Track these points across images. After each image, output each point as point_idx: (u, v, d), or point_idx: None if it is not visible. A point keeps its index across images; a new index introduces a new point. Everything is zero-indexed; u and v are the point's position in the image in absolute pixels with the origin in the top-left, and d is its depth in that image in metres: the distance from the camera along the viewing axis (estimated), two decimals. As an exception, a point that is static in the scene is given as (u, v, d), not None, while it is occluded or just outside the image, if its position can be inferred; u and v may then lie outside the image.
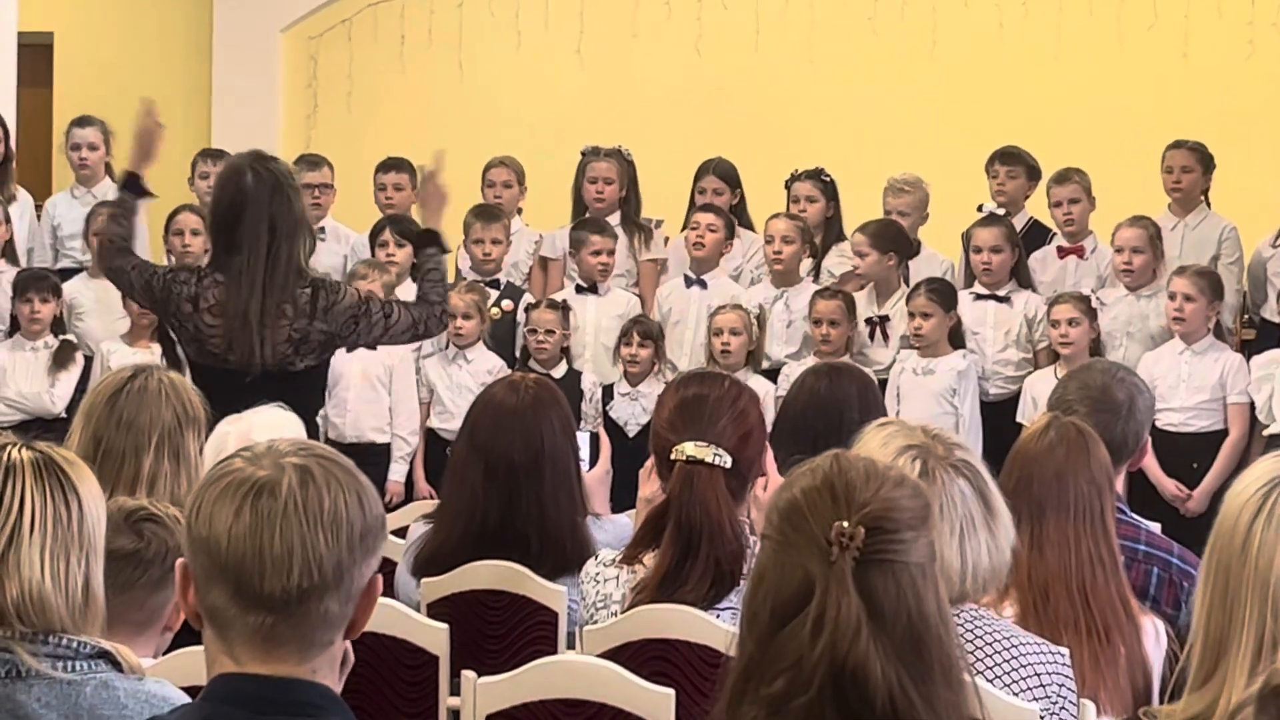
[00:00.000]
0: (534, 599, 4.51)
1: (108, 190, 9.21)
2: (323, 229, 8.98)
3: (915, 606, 2.16)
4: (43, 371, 8.21)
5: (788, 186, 8.99)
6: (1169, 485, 7.80)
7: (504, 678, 3.64)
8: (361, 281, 8.14)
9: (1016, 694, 3.19)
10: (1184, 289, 7.87)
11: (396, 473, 8.19)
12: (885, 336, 8.33)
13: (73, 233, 9.07)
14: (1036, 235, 8.83)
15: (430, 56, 11.68)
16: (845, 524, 2.16)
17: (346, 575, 2.28)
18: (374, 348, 7.98)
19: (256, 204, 5.74)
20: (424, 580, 4.62)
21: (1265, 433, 7.77)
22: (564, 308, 8.36)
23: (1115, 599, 3.74)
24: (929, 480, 3.12)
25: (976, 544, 3.18)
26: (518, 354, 8.52)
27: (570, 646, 4.37)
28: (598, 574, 3.98)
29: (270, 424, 5.29)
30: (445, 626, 4.27)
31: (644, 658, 3.77)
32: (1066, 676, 3.27)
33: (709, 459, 3.77)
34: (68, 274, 8.78)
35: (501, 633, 4.56)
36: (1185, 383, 7.89)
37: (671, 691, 3.56)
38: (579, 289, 8.60)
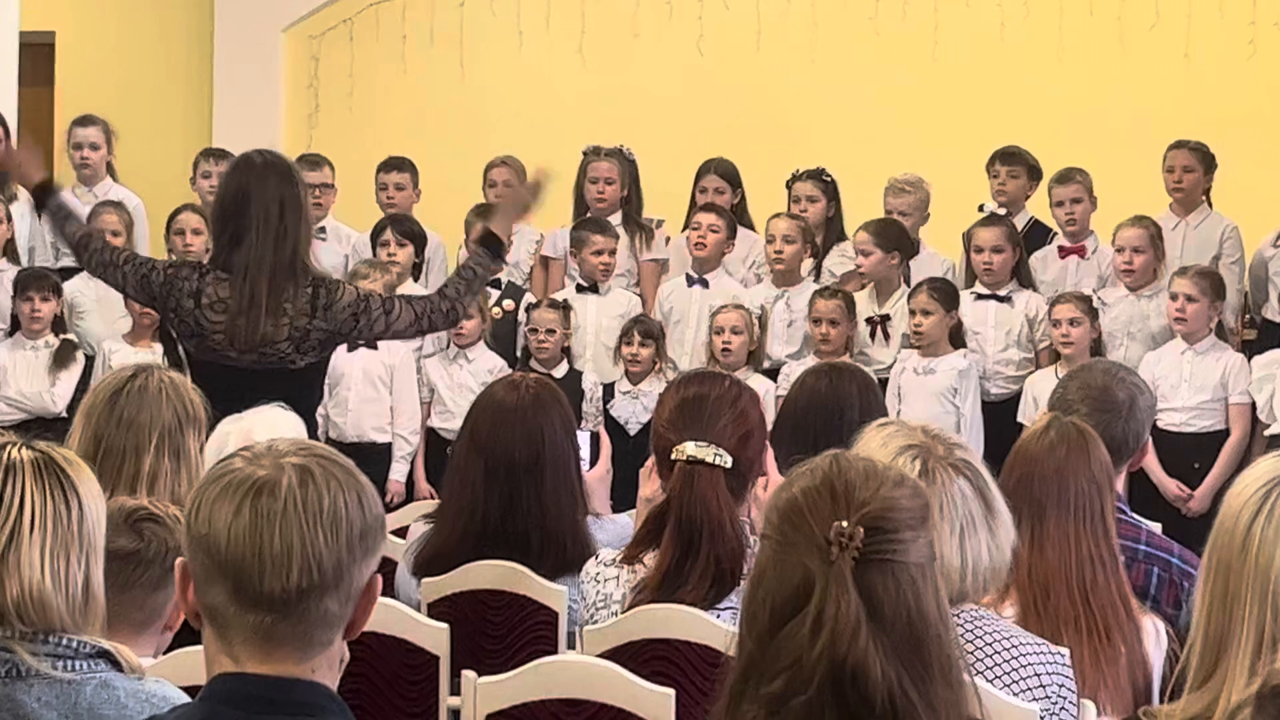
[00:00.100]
0: (534, 599, 4.51)
1: (109, 189, 9.23)
2: (323, 229, 8.99)
3: (915, 606, 2.16)
4: (43, 371, 8.21)
5: (789, 186, 9.00)
6: (1170, 485, 7.80)
7: (504, 677, 3.64)
8: (363, 281, 8.12)
9: (1016, 694, 3.19)
10: (1186, 289, 7.88)
11: (397, 472, 8.20)
12: (886, 336, 8.33)
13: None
14: (1037, 235, 8.83)
15: (432, 56, 11.68)
16: (845, 524, 2.16)
17: (346, 575, 2.28)
18: (374, 346, 7.98)
19: (265, 184, 5.72)
20: (424, 580, 4.62)
21: (1266, 433, 7.77)
22: (565, 307, 8.36)
23: (1116, 598, 3.74)
24: (929, 480, 3.12)
25: (977, 543, 3.18)
26: (519, 353, 8.52)
27: (571, 646, 4.37)
28: (598, 574, 3.98)
29: (271, 423, 5.29)
30: (446, 626, 4.27)
31: (644, 657, 3.77)
32: (1067, 677, 3.27)
33: (709, 459, 3.77)
34: (68, 273, 8.77)
35: (502, 632, 4.56)
36: (1187, 383, 7.89)
37: (672, 691, 3.56)
38: (580, 288, 8.60)
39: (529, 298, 8.71)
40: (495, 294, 8.59)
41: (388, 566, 4.30)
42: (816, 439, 4.26)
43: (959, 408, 7.93)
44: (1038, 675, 3.22)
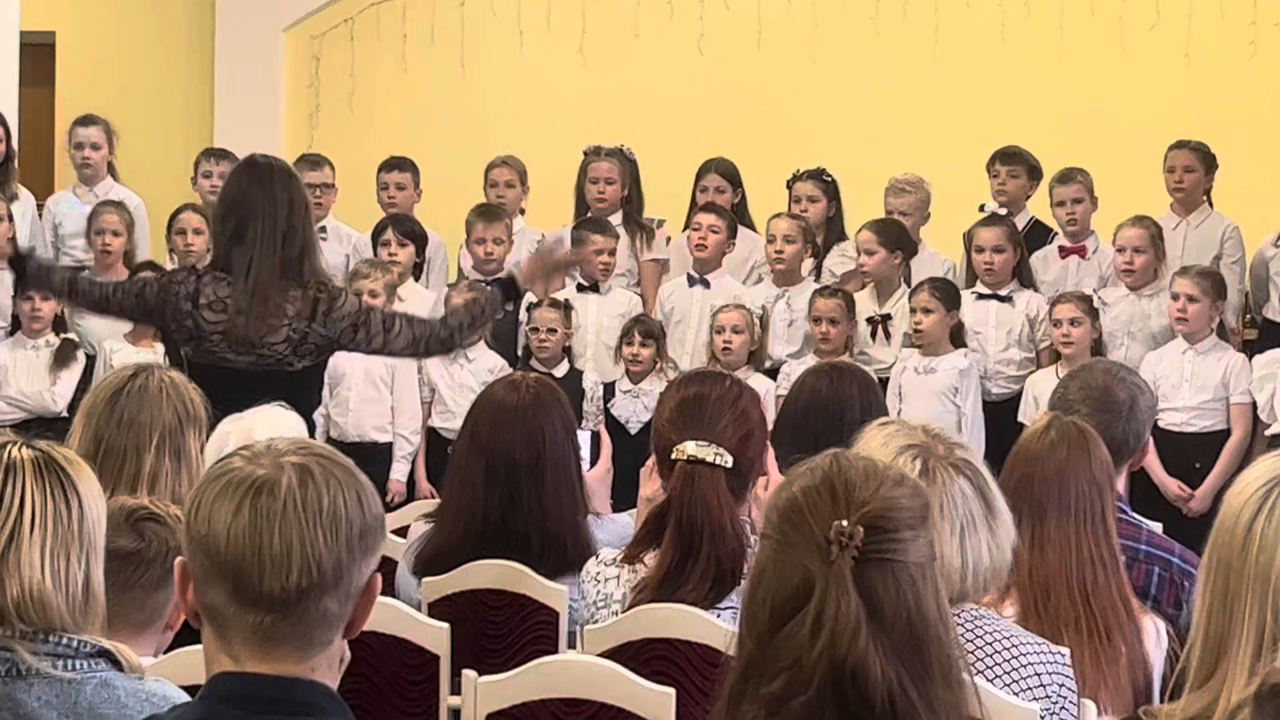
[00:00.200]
0: (535, 598, 4.51)
1: (110, 189, 9.22)
2: (324, 228, 8.98)
3: (914, 606, 2.16)
4: (44, 370, 8.21)
5: (789, 186, 9.00)
6: (1171, 485, 7.80)
7: (505, 677, 3.64)
8: (364, 281, 8.14)
9: (1017, 694, 3.19)
10: (1187, 289, 7.88)
11: (398, 472, 8.20)
12: (888, 335, 8.33)
13: (74, 231, 9.07)
14: (1038, 235, 8.83)
15: (432, 56, 11.68)
16: (844, 523, 2.16)
17: (345, 574, 2.28)
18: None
19: (270, 185, 5.72)
20: (425, 579, 4.61)
21: (1267, 432, 7.76)
22: (566, 307, 8.36)
23: (1116, 598, 3.73)
24: (929, 479, 3.12)
25: (977, 543, 3.18)
26: (519, 353, 8.52)
27: (571, 646, 4.37)
28: (599, 573, 3.98)
29: (272, 423, 5.28)
30: (446, 626, 4.27)
31: (645, 657, 3.77)
32: (1067, 677, 3.27)
33: (710, 458, 3.77)
34: (69, 273, 8.78)
35: (502, 632, 4.56)
36: (1188, 383, 7.89)
37: (672, 691, 3.56)
38: (580, 288, 8.60)
39: (530, 297, 8.70)
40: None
41: (388, 566, 4.29)
42: (817, 439, 4.24)
43: (960, 407, 7.93)
44: (1038, 675, 3.22)
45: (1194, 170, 8.67)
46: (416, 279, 8.80)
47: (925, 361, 8.01)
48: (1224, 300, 8.03)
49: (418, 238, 8.79)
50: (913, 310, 8.03)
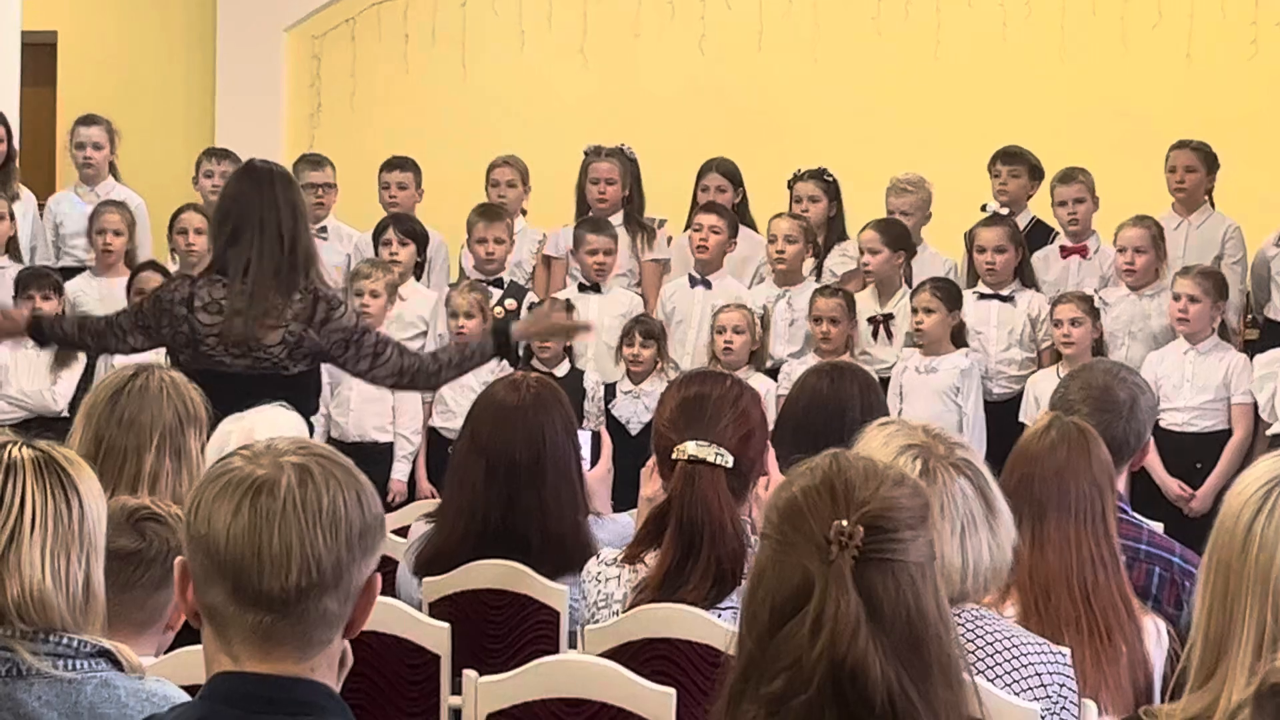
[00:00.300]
0: (535, 598, 4.51)
1: (111, 189, 9.23)
2: (325, 228, 8.99)
3: (914, 605, 2.16)
4: (44, 370, 8.20)
5: (790, 186, 9.00)
6: (1172, 485, 7.79)
7: (505, 677, 3.64)
8: (365, 280, 8.14)
9: (1017, 694, 3.19)
10: (1189, 290, 7.87)
11: (399, 472, 8.20)
12: (889, 335, 8.33)
13: (75, 231, 9.07)
14: (1039, 235, 8.83)
15: (434, 56, 11.69)
16: (844, 523, 2.16)
17: (345, 574, 2.28)
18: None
19: (269, 189, 5.73)
20: (425, 579, 4.61)
21: (1268, 432, 7.76)
22: (567, 307, 8.35)
23: (1116, 598, 3.73)
24: (930, 479, 3.12)
25: (977, 543, 3.18)
26: (520, 352, 8.50)
27: (572, 646, 4.37)
28: (599, 573, 3.97)
29: (273, 422, 5.29)
30: (447, 626, 4.27)
31: (645, 657, 3.77)
32: (1068, 677, 3.27)
33: (711, 458, 3.77)
34: (70, 273, 8.78)
35: (503, 632, 4.56)
36: (1189, 383, 7.89)
37: (673, 691, 3.55)
38: (582, 288, 8.60)
39: (531, 297, 8.71)
40: (497, 293, 8.59)
41: (388, 566, 4.30)
42: (818, 438, 4.24)
43: (961, 407, 7.93)
44: (1038, 675, 3.22)
45: (1195, 170, 8.67)
46: (418, 279, 8.80)
47: (926, 361, 8.01)
48: (1225, 300, 8.03)
49: (419, 237, 8.79)
50: (914, 310, 8.03)
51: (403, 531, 5.15)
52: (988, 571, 3.21)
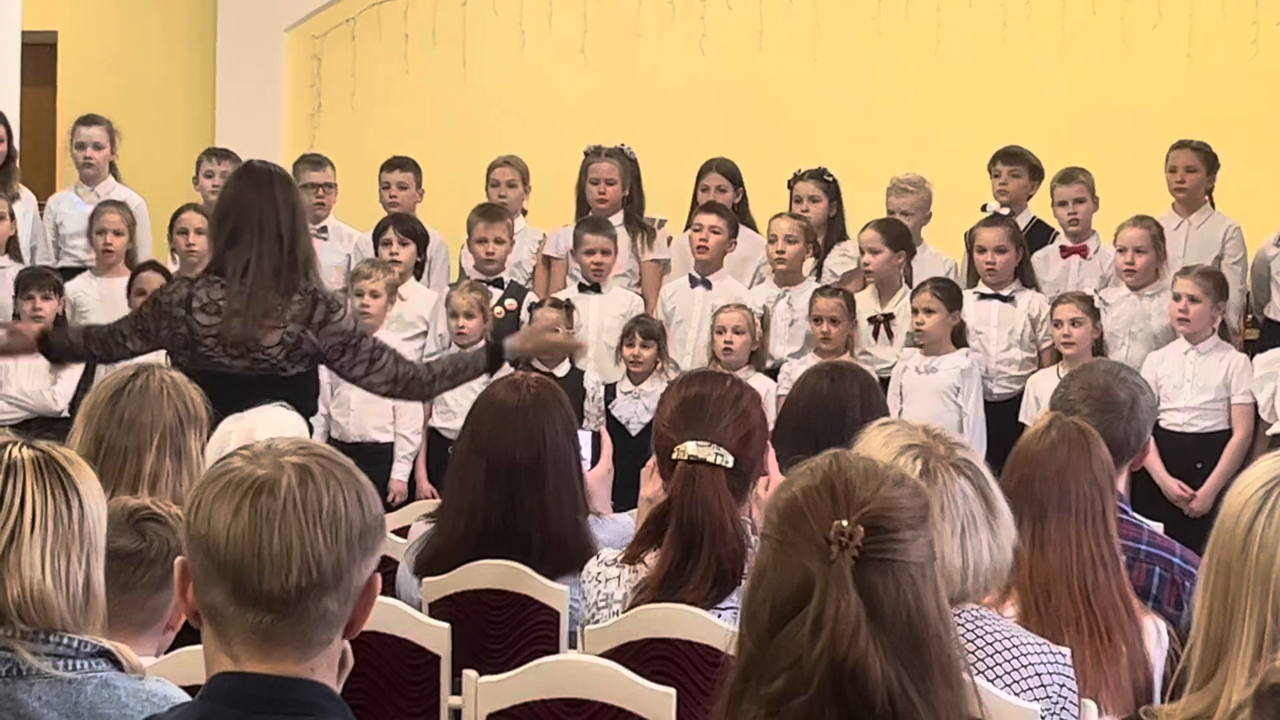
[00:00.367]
0: (536, 598, 4.51)
1: (111, 189, 9.23)
2: (325, 228, 8.99)
3: (914, 606, 2.16)
4: (44, 370, 8.20)
5: (790, 186, 9.00)
6: (1173, 485, 7.79)
7: (505, 677, 3.64)
8: (365, 280, 8.14)
9: (1017, 694, 3.19)
10: (1189, 290, 7.87)
11: (399, 472, 8.20)
12: (890, 335, 8.33)
13: (75, 231, 9.07)
14: (1039, 235, 8.83)
15: (434, 56, 11.69)
16: (845, 523, 2.16)
17: (345, 574, 2.28)
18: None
19: (269, 190, 5.72)
20: (426, 580, 4.61)
21: (1269, 432, 7.76)
22: (567, 306, 8.35)
23: (1117, 599, 3.73)
24: (930, 479, 3.12)
25: (978, 543, 3.18)
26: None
27: (572, 646, 4.37)
28: (599, 573, 3.98)
29: (273, 422, 5.29)
30: (447, 626, 4.27)
31: (645, 657, 3.77)
32: (1068, 677, 3.27)
33: (711, 459, 3.77)
34: (70, 273, 8.78)
35: (503, 632, 4.56)
36: (1190, 383, 7.89)
37: (673, 691, 3.55)
38: (582, 288, 8.60)
39: (531, 297, 8.70)
40: (498, 293, 8.59)
41: (388, 566, 4.30)
42: (818, 438, 4.25)
43: (961, 407, 7.93)
44: (1038, 675, 3.22)
45: (1195, 170, 8.67)
46: (418, 278, 8.80)
47: (927, 361, 8.01)
48: (1225, 300, 8.03)
49: (419, 237, 8.78)
50: (914, 310, 8.03)
51: (403, 531, 5.15)
52: (988, 572, 3.21)
